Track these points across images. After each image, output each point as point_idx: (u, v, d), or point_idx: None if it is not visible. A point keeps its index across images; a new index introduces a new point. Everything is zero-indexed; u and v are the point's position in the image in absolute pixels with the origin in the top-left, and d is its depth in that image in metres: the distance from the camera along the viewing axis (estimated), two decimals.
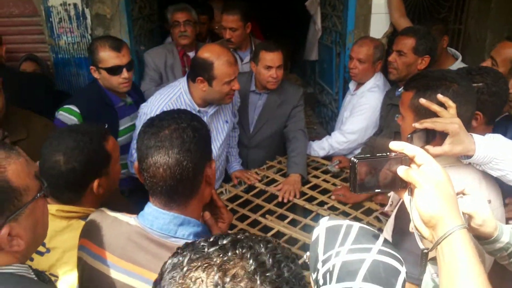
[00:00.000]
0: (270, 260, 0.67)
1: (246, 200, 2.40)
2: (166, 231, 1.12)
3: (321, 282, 0.95)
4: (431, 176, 0.83)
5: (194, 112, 2.17)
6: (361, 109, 2.68)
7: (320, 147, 2.79)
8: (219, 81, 2.13)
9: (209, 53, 2.14)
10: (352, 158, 0.88)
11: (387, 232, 1.48)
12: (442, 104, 1.32)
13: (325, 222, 1.09)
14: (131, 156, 2.31)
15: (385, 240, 1.01)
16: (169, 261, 0.71)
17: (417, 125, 1.30)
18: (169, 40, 3.64)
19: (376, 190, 0.91)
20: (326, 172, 2.65)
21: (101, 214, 1.25)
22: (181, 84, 2.26)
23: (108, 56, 2.25)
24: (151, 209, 1.15)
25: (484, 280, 0.77)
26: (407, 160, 0.87)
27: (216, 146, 2.41)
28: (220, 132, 2.43)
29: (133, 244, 1.13)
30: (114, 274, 1.13)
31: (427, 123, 1.27)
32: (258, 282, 0.63)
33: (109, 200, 1.50)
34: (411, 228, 0.90)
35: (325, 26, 3.82)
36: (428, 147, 1.30)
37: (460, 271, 0.78)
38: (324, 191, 2.44)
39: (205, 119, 2.25)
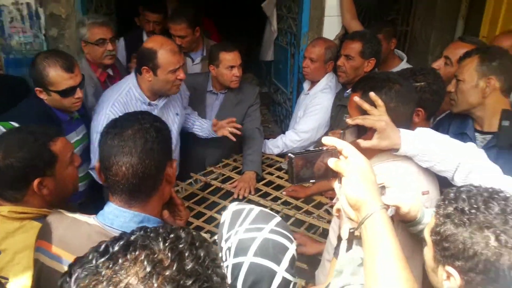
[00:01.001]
0: (169, 254, 0.63)
1: (202, 198, 2.45)
2: (126, 228, 1.13)
3: (224, 258, 1.07)
4: (356, 166, 0.95)
5: (144, 105, 2.25)
6: (314, 109, 2.81)
7: (274, 145, 2.90)
8: (164, 70, 2.18)
9: (153, 42, 2.20)
10: (289, 154, 1.00)
11: (335, 222, 1.59)
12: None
13: (233, 207, 1.21)
14: (92, 163, 2.28)
15: (280, 222, 1.14)
16: (58, 283, 0.65)
17: (349, 121, 1.43)
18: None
19: (311, 181, 1.03)
20: (279, 169, 2.76)
21: (58, 215, 1.27)
22: (129, 79, 2.30)
23: (61, 78, 2.04)
24: (112, 208, 1.19)
25: (399, 252, 0.90)
26: (337, 153, 0.99)
27: None
28: (171, 125, 2.47)
29: (93, 244, 1.13)
30: None
31: (358, 120, 1.41)
32: (155, 285, 0.60)
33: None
34: (336, 210, 1.06)
35: (281, 28, 3.94)
36: (359, 140, 1.43)
37: (380, 244, 0.90)
38: (278, 187, 2.54)
39: (155, 112, 2.28)
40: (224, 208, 2.33)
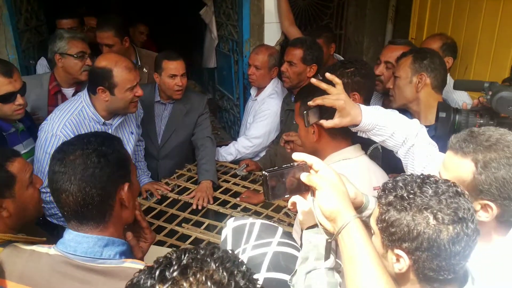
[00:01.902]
0: (224, 273, 0.67)
1: (160, 211, 2.41)
2: (91, 254, 1.12)
3: None
4: (327, 179, 1.02)
5: (99, 125, 2.17)
6: (263, 114, 2.88)
7: (227, 153, 2.92)
8: (121, 88, 2.11)
9: (106, 61, 2.12)
10: (264, 172, 1.04)
11: (297, 224, 1.66)
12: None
13: (232, 223, 1.24)
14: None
15: (284, 232, 1.20)
16: None
17: (310, 102, 1.50)
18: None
19: (286, 196, 1.08)
20: (235, 175, 2.78)
21: (14, 249, 1.21)
22: (82, 97, 2.20)
23: None
24: (73, 235, 1.15)
25: (377, 258, 0.98)
26: (307, 168, 1.05)
27: None
28: (126, 144, 2.40)
29: (58, 275, 1.11)
30: None
31: (318, 100, 1.48)
32: None
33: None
34: (291, 203, 1.11)
35: (221, 35, 3.96)
36: (322, 121, 1.51)
37: (358, 252, 0.97)
38: (236, 194, 2.56)
39: (110, 131, 2.21)
40: (184, 220, 2.34)
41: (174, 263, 0.67)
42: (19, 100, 2.06)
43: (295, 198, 1.09)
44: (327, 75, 1.51)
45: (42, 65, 3.04)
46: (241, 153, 2.90)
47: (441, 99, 2.04)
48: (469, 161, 1.14)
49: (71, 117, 2.11)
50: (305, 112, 1.48)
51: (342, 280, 1.04)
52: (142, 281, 0.66)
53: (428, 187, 0.97)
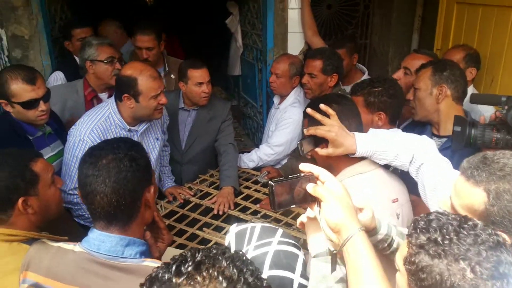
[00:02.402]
0: (234, 270, 0.71)
1: (182, 215, 2.48)
2: (114, 252, 1.19)
3: None
4: (333, 191, 1.02)
5: (124, 131, 2.24)
6: (285, 123, 2.91)
7: (249, 159, 2.96)
8: (145, 96, 2.17)
9: (131, 69, 2.18)
10: (270, 182, 1.05)
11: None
12: None
13: (234, 229, 1.28)
14: (63, 185, 2.19)
15: (284, 232, 1.23)
16: None
17: (305, 131, 1.53)
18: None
19: (292, 206, 1.09)
20: (256, 182, 2.82)
21: (42, 245, 1.28)
22: (110, 104, 2.28)
23: (21, 90, 2.06)
24: (97, 234, 1.21)
25: (381, 271, 0.97)
26: (314, 179, 1.06)
27: None
28: (152, 150, 2.48)
29: (82, 271, 1.18)
30: None
31: (312, 130, 1.51)
32: None
33: (60, 227, 1.52)
34: (300, 223, 1.12)
35: (246, 43, 4.03)
36: (317, 149, 1.54)
37: (362, 264, 0.98)
38: (257, 201, 2.60)
39: (135, 137, 2.29)
40: (205, 224, 2.39)
41: (189, 259, 0.72)
42: (42, 106, 2.13)
43: (303, 218, 1.10)
44: (321, 106, 1.53)
45: (57, 79, 3.01)
46: (263, 160, 2.93)
47: (461, 110, 2.04)
48: (481, 190, 1.09)
49: (98, 123, 2.19)
50: (298, 142, 1.51)
51: None
52: (160, 275, 0.71)
53: (466, 233, 0.90)
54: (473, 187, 1.10)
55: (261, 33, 3.54)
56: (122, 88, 2.18)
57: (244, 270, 0.72)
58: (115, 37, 3.72)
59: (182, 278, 0.69)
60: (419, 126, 2.19)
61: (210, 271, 0.69)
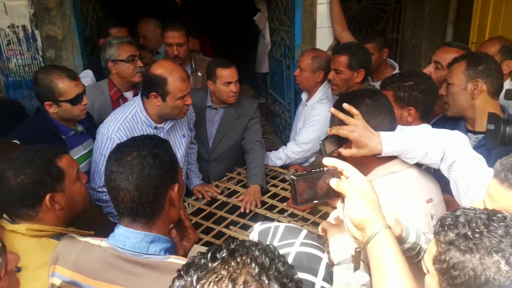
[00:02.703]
0: (267, 259, 0.73)
1: (209, 213, 2.48)
2: (139, 249, 1.19)
3: None
4: (357, 186, 0.98)
5: (150, 128, 2.26)
6: (312, 120, 2.86)
7: (277, 157, 2.94)
8: (173, 97, 2.19)
9: (162, 69, 2.19)
10: (292, 176, 1.02)
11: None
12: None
13: (258, 227, 1.27)
14: (93, 183, 2.28)
15: (307, 234, 1.19)
16: (176, 284, 0.74)
17: (328, 131, 1.49)
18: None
19: (314, 201, 1.06)
20: (283, 180, 2.79)
21: (70, 239, 1.30)
22: (136, 102, 2.31)
23: (69, 87, 2.15)
24: (122, 230, 1.23)
25: (407, 270, 0.93)
26: (338, 173, 1.02)
27: None
28: (179, 147, 2.50)
29: (107, 265, 1.20)
30: None
31: (334, 130, 1.46)
32: (266, 282, 0.70)
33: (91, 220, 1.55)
34: (322, 229, 1.10)
35: (274, 40, 4.00)
36: (340, 149, 1.49)
37: (387, 262, 0.94)
38: (283, 199, 2.57)
39: (161, 135, 2.31)
40: (232, 222, 2.38)
41: (223, 247, 0.76)
42: (85, 100, 2.24)
43: (326, 224, 1.08)
44: (345, 105, 1.48)
45: (86, 76, 3.05)
46: (290, 158, 2.90)
47: (497, 105, 1.95)
48: None
49: (125, 121, 2.22)
50: (321, 142, 1.47)
51: None
52: (196, 260, 0.75)
53: (496, 225, 0.87)
54: (508, 191, 1.04)
55: (289, 29, 3.50)
56: (151, 86, 2.20)
57: (276, 260, 0.75)
58: (155, 36, 3.73)
59: (217, 263, 0.72)
60: (451, 121, 2.11)
61: (244, 257, 0.73)
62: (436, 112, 2.38)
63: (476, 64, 1.91)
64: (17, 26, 3.17)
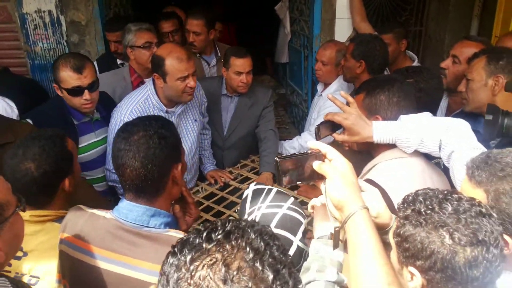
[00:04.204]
0: (261, 243, 0.73)
1: (221, 198, 2.53)
2: (140, 221, 1.27)
3: None
4: (338, 168, 1.02)
5: (162, 112, 2.31)
6: (327, 111, 2.83)
7: (291, 146, 2.96)
8: (172, 77, 2.21)
9: (162, 50, 2.26)
10: (276, 158, 1.07)
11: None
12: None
13: (253, 187, 1.41)
14: (108, 164, 2.36)
15: (294, 201, 1.34)
16: (170, 261, 0.74)
17: (323, 116, 1.56)
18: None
19: (298, 182, 1.10)
20: None
21: (78, 210, 1.38)
22: (148, 86, 2.37)
23: (68, 77, 2.13)
24: (125, 204, 1.30)
25: (380, 248, 0.96)
26: (321, 156, 1.06)
27: (187, 144, 2.52)
28: (190, 131, 2.55)
29: (110, 235, 1.28)
30: (96, 263, 1.27)
31: (329, 116, 1.53)
32: (260, 268, 0.69)
33: (89, 200, 1.61)
34: (311, 207, 1.17)
35: (294, 30, 3.99)
36: (334, 134, 1.57)
37: (361, 241, 0.97)
38: (294, 187, 2.60)
39: (172, 119, 2.35)
40: None
41: (219, 228, 0.75)
42: (86, 95, 2.18)
43: (315, 202, 1.14)
44: (342, 93, 1.57)
45: None
46: (304, 147, 2.90)
47: None
48: (481, 191, 1.05)
49: (137, 105, 2.28)
50: (316, 126, 1.53)
51: None
52: (191, 239, 0.75)
53: (449, 204, 0.91)
54: (474, 188, 1.07)
55: (308, 19, 3.50)
56: (153, 67, 2.27)
57: (271, 244, 0.74)
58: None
59: (212, 245, 0.72)
60: (470, 117, 2.02)
61: (239, 241, 0.72)
62: (453, 108, 2.35)
63: (497, 59, 1.86)
64: (43, 11, 3.28)
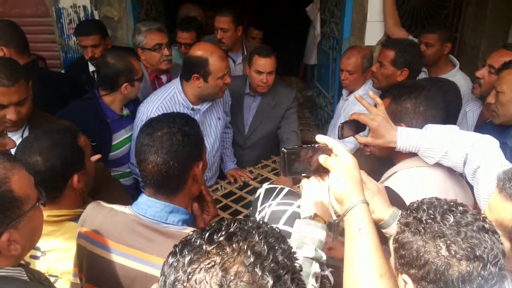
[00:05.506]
0: (265, 247, 0.70)
1: (240, 196, 2.53)
2: (158, 217, 1.28)
3: None
4: (342, 163, 1.03)
5: (187, 110, 2.34)
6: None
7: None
8: (214, 76, 2.26)
9: (202, 50, 2.27)
10: (283, 149, 1.08)
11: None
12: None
13: (266, 186, 1.45)
14: (133, 158, 2.39)
15: None
16: (169, 261, 0.73)
17: (349, 116, 1.52)
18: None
19: (303, 174, 1.12)
20: None
21: (97, 205, 1.40)
22: (175, 84, 2.39)
23: (139, 66, 2.33)
24: (145, 199, 1.31)
25: (375, 241, 0.95)
26: (328, 151, 1.07)
27: (209, 142, 2.54)
28: (214, 129, 2.57)
29: (129, 230, 1.28)
30: (113, 257, 1.28)
31: (355, 115, 1.49)
32: (259, 274, 0.67)
33: (111, 195, 1.63)
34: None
35: (324, 32, 3.95)
36: (356, 136, 1.52)
37: (358, 234, 0.97)
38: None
39: (197, 116, 2.38)
40: None
41: (223, 229, 0.73)
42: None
43: (304, 182, 1.16)
44: (370, 93, 1.52)
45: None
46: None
47: None
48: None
49: (163, 102, 2.32)
50: (340, 124, 1.50)
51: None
52: (193, 239, 0.74)
53: (451, 215, 0.89)
54: (505, 201, 1.02)
55: (339, 21, 3.45)
56: (192, 68, 2.27)
57: (276, 247, 0.72)
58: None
59: (212, 247, 0.70)
60: (499, 128, 1.96)
61: (241, 244, 0.70)
62: (486, 117, 2.26)
63: None
64: (78, 6, 3.38)
